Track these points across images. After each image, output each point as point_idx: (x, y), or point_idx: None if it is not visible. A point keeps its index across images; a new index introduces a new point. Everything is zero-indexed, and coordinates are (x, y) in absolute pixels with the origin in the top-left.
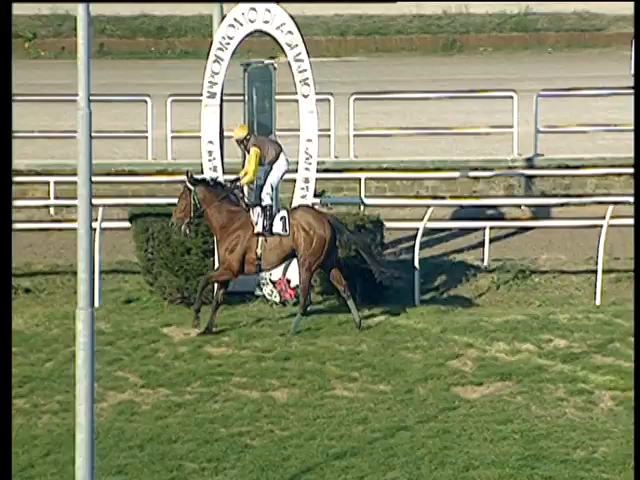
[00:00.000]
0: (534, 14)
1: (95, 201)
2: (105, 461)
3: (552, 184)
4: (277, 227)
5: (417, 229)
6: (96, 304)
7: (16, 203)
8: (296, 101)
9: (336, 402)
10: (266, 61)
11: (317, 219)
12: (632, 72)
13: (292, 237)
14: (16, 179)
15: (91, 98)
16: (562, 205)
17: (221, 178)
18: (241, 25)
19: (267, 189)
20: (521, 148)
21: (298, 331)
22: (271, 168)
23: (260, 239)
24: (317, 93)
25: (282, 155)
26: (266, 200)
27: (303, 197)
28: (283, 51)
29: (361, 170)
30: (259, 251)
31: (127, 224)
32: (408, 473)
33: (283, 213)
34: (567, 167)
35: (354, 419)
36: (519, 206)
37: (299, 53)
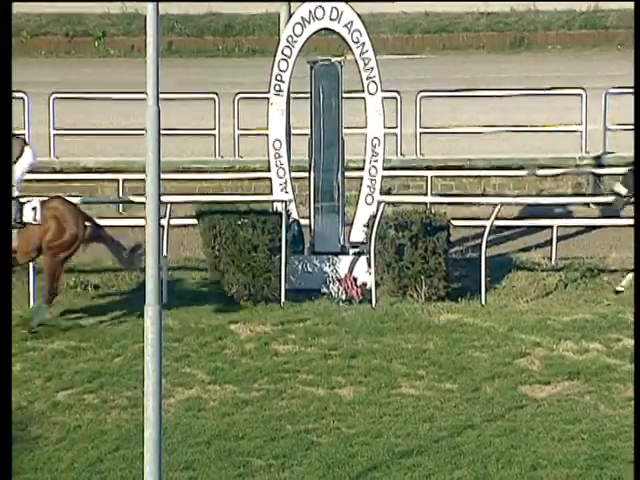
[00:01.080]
0: (603, 11)
1: (163, 198)
2: (173, 457)
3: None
4: (28, 216)
5: (484, 227)
6: (164, 300)
7: (86, 199)
8: (363, 99)
9: (402, 400)
10: (333, 59)
11: (72, 213)
12: None
13: (44, 226)
14: (85, 176)
15: (160, 96)
16: (631, 203)
17: (287, 176)
18: (308, 23)
19: (15, 182)
20: (589, 146)
21: (40, 324)
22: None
23: (14, 231)
24: (384, 91)
25: (27, 149)
26: (15, 192)
27: (369, 195)
28: (350, 49)
29: (427, 168)
30: (14, 243)
31: (194, 221)
32: (474, 472)
33: (35, 203)
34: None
35: (420, 417)
36: (587, 204)
37: (366, 51)
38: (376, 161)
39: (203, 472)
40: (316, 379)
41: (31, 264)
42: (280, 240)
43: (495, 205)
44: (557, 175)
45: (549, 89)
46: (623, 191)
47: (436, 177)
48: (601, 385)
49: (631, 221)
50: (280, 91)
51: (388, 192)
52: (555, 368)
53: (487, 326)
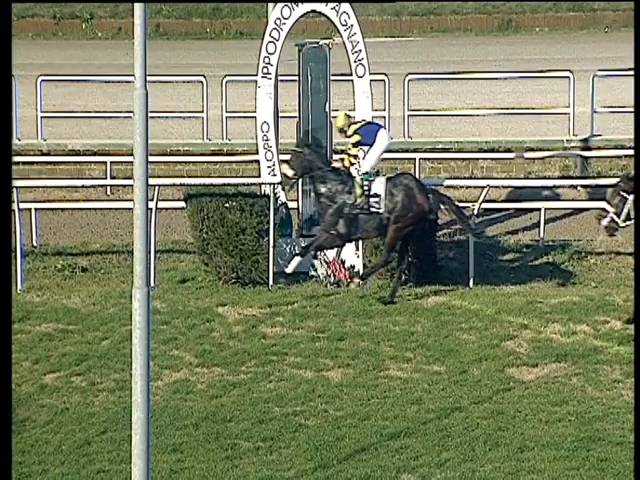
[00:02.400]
0: None
1: (151, 181)
2: (161, 439)
3: (608, 164)
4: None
5: (472, 210)
6: (152, 283)
7: (73, 183)
8: (351, 81)
9: (390, 383)
10: (321, 41)
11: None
12: None
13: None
14: (73, 159)
15: (147, 79)
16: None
17: (275, 159)
18: (296, 5)
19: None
20: (577, 129)
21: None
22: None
23: None
24: (372, 73)
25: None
26: None
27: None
28: (338, 31)
29: (415, 151)
30: None
31: (182, 204)
32: (462, 454)
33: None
34: (623, 147)
35: (408, 400)
36: (575, 187)
37: (354, 33)
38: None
39: (191, 454)
40: (304, 362)
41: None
42: (268, 223)
43: (483, 187)
44: (545, 158)
45: (537, 72)
46: (290, 173)
47: (424, 160)
48: (588, 367)
49: None
50: (268, 74)
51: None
52: (542, 350)
53: (475, 308)
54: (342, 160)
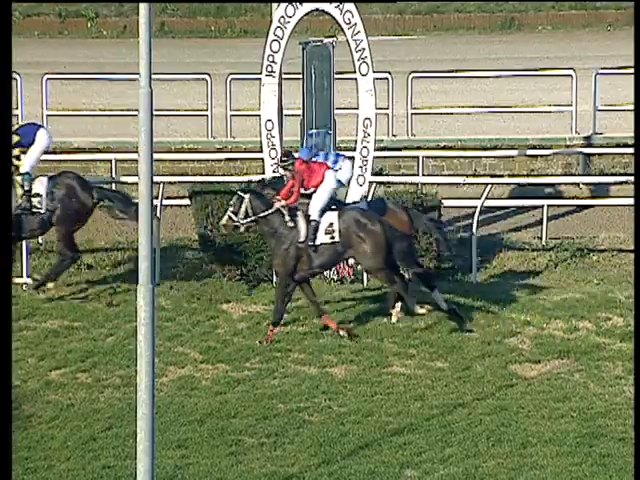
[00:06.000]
0: None
1: (156, 178)
2: (165, 435)
3: (611, 162)
4: None
5: (475, 207)
6: (157, 280)
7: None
8: (354, 80)
9: (393, 379)
10: (325, 40)
11: None
12: None
13: None
14: (78, 157)
15: (152, 77)
16: (621, 183)
17: (279, 156)
18: (300, 4)
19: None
20: (580, 126)
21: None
22: None
23: None
24: (375, 71)
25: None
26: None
27: (361, 175)
28: (342, 30)
29: (419, 148)
30: None
31: (187, 201)
32: (465, 450)
33: None
34: (626, 145)
35: (411, 396)
36: (577, 184)
37: (358, 32)
38: (368, 142)
39: (195, 450)
40: (308, 358)
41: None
42: None
43: (486, 185)
44: (547, 155)
45: (540, 70)
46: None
47: (427, 157)
48: (590, 364)
49: (620, 201)
50: (272, 72)
51: (379, 172)
52: (545, 347)
53: (478, 305)
54: None
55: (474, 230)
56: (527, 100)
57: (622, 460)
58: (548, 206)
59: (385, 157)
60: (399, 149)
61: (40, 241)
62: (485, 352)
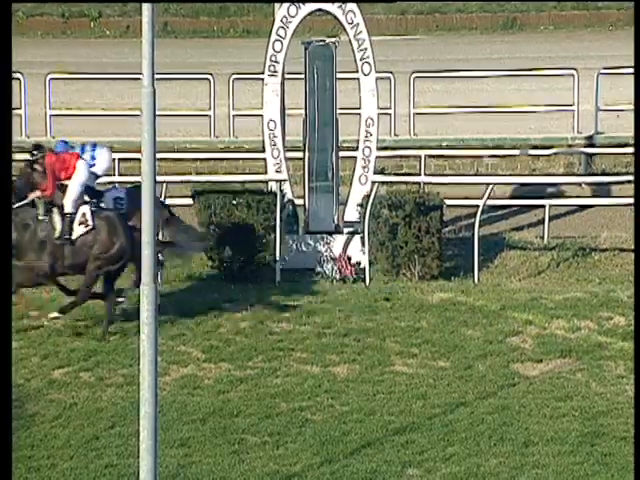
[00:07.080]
0: None
1: (158, 178)
2: (168, 434)
3: (613, 162)
4: None
5: (477, 207)
6: (159, 280)
7: None
8: (357, 79)
9: (396, 378)
10: (327, 40)
11: None
12: None
13: None
14: None
15: (155, 76)
16: (622, 183)
17: (282, 156)
18: (302, 4)
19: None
20: (582, 126)
21: None
22: None
23: None
24: (377, 71)
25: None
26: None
27: (363, 174)
28: (344, 30)
29: (421, 148)
30: None
31: (190, 201)
32: (467, 449)
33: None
34: (628, 145)
35: (413, 395)
36: (579, 184)
37: (360, 31)
38: (370, 141)
39: (198, 449)
40: (310, 357)
41: None
42: (275, 220)
43: (488, 185)
44: (549, 155)
45: (541, 70)
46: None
47: (429, 157)
48: (592, 363)
49: (622, 201)
50: (275, 72)
51: (382, 172)
52: (547, 346)
53: (480, 305)
54: None
55: (476, 230)
56: (529, 100)
57: (624, 459)
58: (550, 206)
59: (387, 157)
60: (401, 149)
61: None
62: (487, 351)
